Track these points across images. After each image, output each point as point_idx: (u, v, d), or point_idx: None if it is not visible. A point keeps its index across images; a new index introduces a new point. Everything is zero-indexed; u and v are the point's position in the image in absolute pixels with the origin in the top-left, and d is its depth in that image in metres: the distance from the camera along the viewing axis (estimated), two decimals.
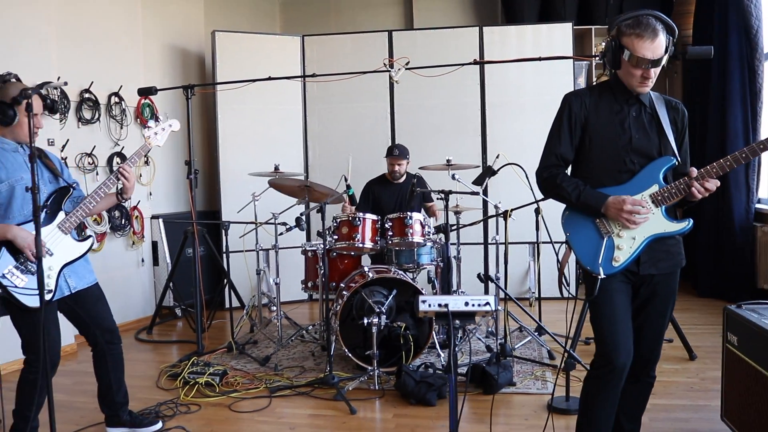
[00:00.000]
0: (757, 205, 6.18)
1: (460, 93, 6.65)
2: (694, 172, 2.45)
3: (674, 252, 2.61)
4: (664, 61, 2.47)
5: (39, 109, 3.18)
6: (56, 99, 5.06)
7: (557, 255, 2.80)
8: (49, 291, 3.09)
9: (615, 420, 2.75)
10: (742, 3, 5.93)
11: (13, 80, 3.28)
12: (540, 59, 4.70)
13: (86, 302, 3.35)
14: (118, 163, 5.73)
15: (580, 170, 2.68)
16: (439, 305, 2.24)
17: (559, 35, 6.52)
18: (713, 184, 2.44)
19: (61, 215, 3.20)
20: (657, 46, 2.42)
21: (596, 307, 2.55)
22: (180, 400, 3.97)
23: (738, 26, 6.03)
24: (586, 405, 2.62)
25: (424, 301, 2.27)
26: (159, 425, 3.58)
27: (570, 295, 2.64)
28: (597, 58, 2.68)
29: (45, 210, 3.14)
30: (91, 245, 3.35)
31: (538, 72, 6.42)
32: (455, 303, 2.24)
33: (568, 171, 2.72)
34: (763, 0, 5.93)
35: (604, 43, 2.58)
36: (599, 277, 2.50)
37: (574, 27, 6.71)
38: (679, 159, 2.55)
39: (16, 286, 2.99)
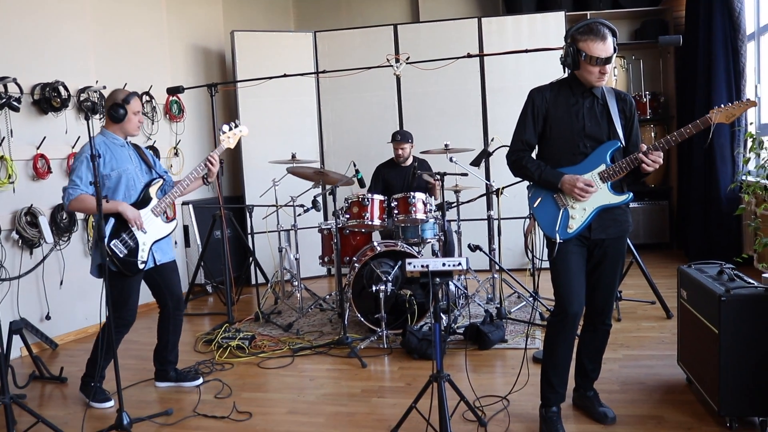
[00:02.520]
0: (744, 177, 6.63)
1: (462, 80, 7.15)
2: (644, 147, 2.98)
3: (621, 220, 3.14)
4: (613, 59, 3.00)
5: (139, 107, 3.97)
6: (96, 101, 5.64)
7: (523, 225, 3.35)
8: (143, 262, 3.82)
9: (579, 362, 3.33)
10: None
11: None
12: (527, 51, 5.23)
13: (165, 273, 4.08)
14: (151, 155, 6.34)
15: (542, 153, 3.21)
16: (422, 266, 2.81)
17: (553, 23, 7.00)
18: (658, 156, 2.95)
19: (153, 201, 3.91)
20: (608, 46, 2.95)
21: (555, 266, 3.10)
22: (215, 360, 4.59)
23: (722, 8, 6.39)
24: (548, 346, 3.18)
25: (410, 263, 2.84)
26: (200, 380, 4.21)
27: (536, 258, 3.14)
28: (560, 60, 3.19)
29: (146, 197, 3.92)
30: (176, 226, 4.10)
31: (534, 59, 6.86)
32: (434, 264, 2.81)
33: (534, 154, 3.26)
34: None
35: (563, 48, 3.11)
36: (557, 241, 3.05)
37: (568, 14, 7.18)
38: (623, 142, 3.07)
39: (119, 256, 3.75)
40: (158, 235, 3.93)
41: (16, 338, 4.59)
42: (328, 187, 4.94)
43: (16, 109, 4.87)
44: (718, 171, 6.59)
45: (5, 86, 4.81)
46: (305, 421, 3.54)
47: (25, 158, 5.01)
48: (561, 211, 3.09)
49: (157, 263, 3.98)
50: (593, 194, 3.03)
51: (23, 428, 3.45)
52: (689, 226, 7.07)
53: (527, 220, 3.27)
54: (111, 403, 3.91)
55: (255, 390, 4.05)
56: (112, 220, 3.75)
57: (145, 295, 4.13)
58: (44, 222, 5.08)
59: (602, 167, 3.05)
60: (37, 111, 5.15)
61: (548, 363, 3.19)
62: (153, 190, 3.94)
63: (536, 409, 3.35)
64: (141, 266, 3.82)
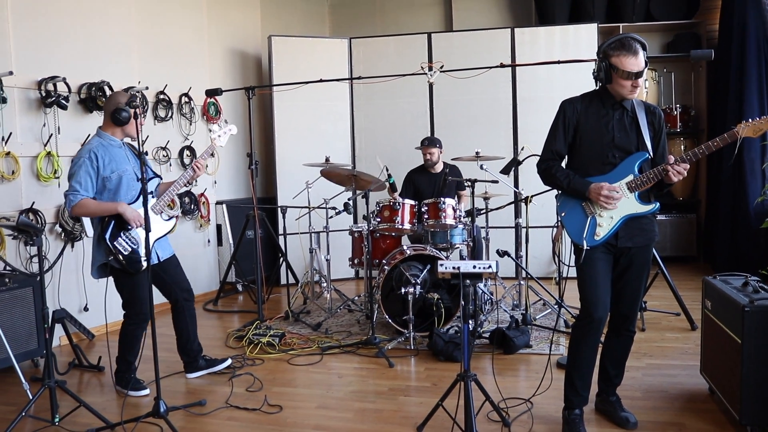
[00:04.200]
0: None
1: (494, 89, 7.25)
2: (671, 158, 3.07)
3: (647, 229, 3.22)
4: (645, 72, 3.09)
5: (140, 111, 4.00)
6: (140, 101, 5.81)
7: (552, 232, 3.44)
8: (145, 259, 3.89)
9: (602, 367, 3.41)
10: (760, 1, 6.35)
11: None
12: (559, 62, 5.31)
13: (169, 268, 4.20)
14: (188, 155, 6.53)
15: (572, 163, 3.31)
16: (453, 268, 2.92)
17: (585, 35, 7.07)
18: (684, 168, 3.03)
19: (152, 200, 4.02)
20: (639, 61, 3.04)
21: (581, 272, 3.18)
22: (246, 355, 4.73)
23: (756, 22, 6.42)
24: (573, 350, 3.27)
25: (442, 265, 2.95)
26: (229, 361, 4.42)
27: (563, 265, 3.23)
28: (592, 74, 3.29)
29: (151, 194, 3.96)
30: (175, 224, 4.18)
31: (566, 69, 6.92)
32: (465, 266, 2.91)
33: (564, 164, 3.35)
34: None
35: (596, 63, 3.21)
36: (584, 248, 3.14)
37: (600, 26, 7.24)
38: (651, 154, 3.16)
39: (122, 253, 3.84)
40: (159, 232, 4.06)
41: (58, 327, 4.78)
42: (362, 191, 5.05)
43: (64, 107, 5.07)
44: (748, 185, 6.59)
45: (55, 85, 5.02)
46: (334, 416, 3.65)
47: (70, 155, 5.21)
48: (589, 218, 3.18)
49: (161, 259, 4.12)
50: (621, 203, 3.12)
51: (64, 412, 3.62)
52: (716, 239, 7.08)
53: (555, 228, 3.35)
54: (147, 392, 4.07)
55: (285, 385, 4.18)
56: (112, 222, 3.87)
57: None
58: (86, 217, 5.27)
59: (630, 177, 3.14)
60: (82, 109, 5.36)
61: (572, 366, 3.28)
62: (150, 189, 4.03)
63: (559, 412, 3.44)
64: (145, 263, 3.89)
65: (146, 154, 6.18)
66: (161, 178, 4.24)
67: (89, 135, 5.29)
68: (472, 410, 3.08)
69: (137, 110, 3.56)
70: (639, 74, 3.04)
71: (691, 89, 8.13)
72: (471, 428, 3.05)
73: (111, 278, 4.03)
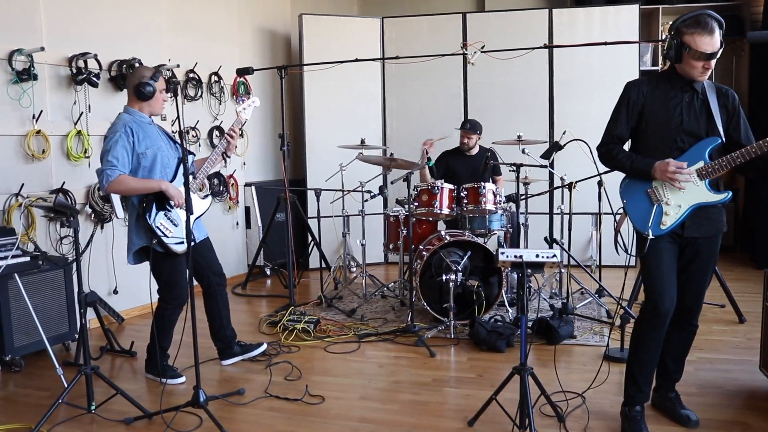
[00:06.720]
0: None
1: (530, 72, 7.04)
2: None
3: (716, 219, 3.04)
4: (719, 54, 2.89)
5: (164, 85, 3.85)
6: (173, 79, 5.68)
7: (614, 220, 3.27)
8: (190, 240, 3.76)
9: (662, 362, 3.24)
10: None
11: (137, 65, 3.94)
12: (605, 44, 5.10)
13: (203, 251, 4.03)
14: (217, 135, 6.39)
15: (636, 147, 3.12)
16: (515, 256, 2.77)
17: (625, 17, 6.82)
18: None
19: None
20: (715, 41, 2.84)
21: (646, 263, 3.02)
22: (282, 342, 4.61)
23: None
24: (636, 344, 3.11)
25: (503, 253, 2.79)
26: (265, 345, 4.31)
27: (625, 253, 3.05)
28: (662, 49, 3.08)
29: (192, 174, 3.83)
30: (211, 202, 4.04)
31: (605, 52, 6.70)
32: (528, 255, 2.76)
33: (627, 147, 3.17)
34: None
35: (666, 35, 3.00)
36: (649, 237, 2.97)
37: (641, 7, 7.00)
38: (723, 139, 2.97)
39: (165, 236, 3.69)
40: (198, 211, 3.90)
41: (89, 311, 4.67)
42: (402, 173, 4.87)
43: (95, 85, 4.93)
44: None
45: (85, 62, 4.88)
46: (379, 408, 3.52)
47: (100, 133, 5.06)
48: (655, 206, 3.01)
49: (196, 241, 3.92)
50: (690, 191, 2.94)
51: (98, 398, 3.50)
52: (757, 229, 6.87)
53: (616, 215, 3.18)
54: (183, 379, 3.95)
55: (324, 374, 4.05)
56: (153, 203, 3.69)
57: None
58: (116, 197, 5.14)
59: (700, 164, 2.96)
60: (113, 87, 5.21)
61: (635, 361, 3.12)
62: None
63: (613, 406, 3.31)
64: (185, 245, 3.76)
65: (221, 132, 6.15)
66: (194, 155, 4.10)
67: (118, 116, 5.18)
68: (530, 405, 2.94)
69: (174, 87, 3.42)
70: (713, 55, 2.85)
71: (731, 73, 7.88)
72: (529, 424, 2.90)
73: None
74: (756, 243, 6.95)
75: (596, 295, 5.34)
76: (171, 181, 3.76)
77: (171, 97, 4.04)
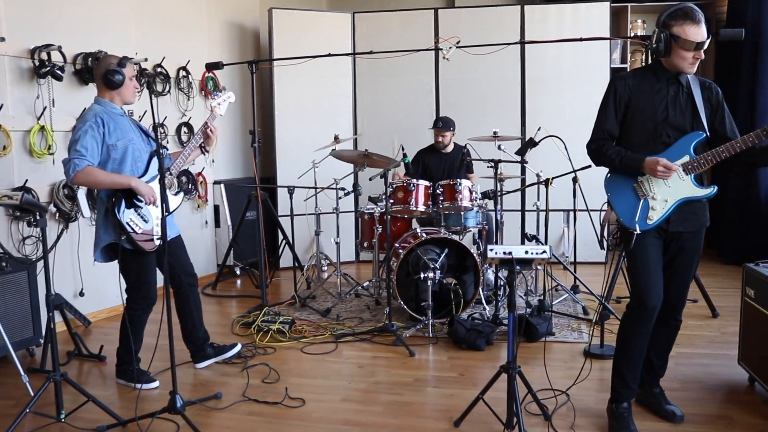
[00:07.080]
0: None
1: (502, 68, 7.02)
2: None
3: (700, 214, 3.04)
4: (707, 44, 2.88)
5: (133, 72, 3.71)
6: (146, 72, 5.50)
7: (599, 215, 3.24)
8: (159, 237, 3.63)
9: (646, 358, 3.21)
10: None
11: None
12: (581, 39, 5.05)
13: (175, 249, 3.86)
14: (185, 132, 6.23)
15: (622, 142, 3.09)
16: (504, 253, 2.71)
17: (596, 13, 6.84)
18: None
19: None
20: (703, 31, 2.85)
21: (633, 258, 2.99)
22: (257, 343, 4.49)
23: None
24: (623, 339, 3.08)
25: (491, 250, 2.73)
26: (239, 346, 4.19)
27: (610, 248, 3.03)
28: (645, 45, 3.06)
29: (168, 170, 3.70)
30: (183, 199, 3.90)
31: (576, 48, 6.75)
32: (517, 251, 2.70)
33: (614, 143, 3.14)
34: None
35: (635, 33, 2.98)
36: (635, 232, 2.95)
37: (612, 5, 7.03)
38: (708, 133, 2.96)
39: (135, 232, 3.54)
40: (170, 208, 3.75)
41: (55, 315, 4.49)
42: (378, 171, 4.80)
43: (60, 78, 4.75)
44: (760, 170, 6.48)
45: (49, 54, 4.69)
46: (362, 410, 3.44)
47: (65, 129, 4.89)
48: (641, 201, 2.98)
49: (168, 239, 3.76)
50: (676, 186, 2.93)
51: (69, 406, 3.35)
52: (723, 225, 6.96)
53: (602, 210, 3.15)
54: (157, 384, 3.82)
55: (302, 376, 3.95)
56: (122, 199, 3.54)
57: None
58: (82, 196, 4.98)
59: (686, 158, 2.94)
60: (78, 81, 5.03)
61: (622, 357, 3.09)
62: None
63: (598, 403, 3.29)
64: (157, 242, 3.64)
65: (190, 128, 5.97)
66: (168, 149, 3.96)
67: (85, 109, 5.00)
68: (519, 404, 2.89)
69: (149, 80, 3.29)
70: (702, 44, 2.84)
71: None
72: (517, 423, 2.85)
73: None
74: (721, 239, 7.05)
75: (572, 292, 5.33)
76: (142, 176, 3.61)
77: (142, 87, 3.87)
